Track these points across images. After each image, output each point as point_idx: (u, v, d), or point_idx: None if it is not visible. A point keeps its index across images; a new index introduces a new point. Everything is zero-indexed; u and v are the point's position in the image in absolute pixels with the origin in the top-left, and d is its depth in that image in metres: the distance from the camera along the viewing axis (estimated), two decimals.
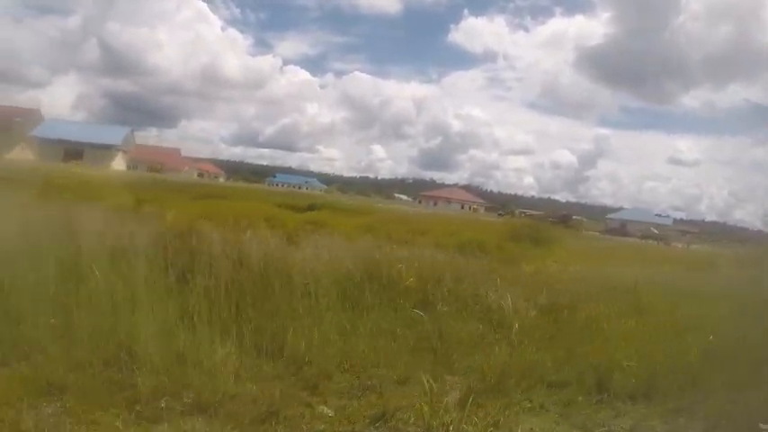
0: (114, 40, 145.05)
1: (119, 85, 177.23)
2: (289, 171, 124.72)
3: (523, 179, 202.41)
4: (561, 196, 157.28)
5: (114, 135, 49.92)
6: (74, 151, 38.66)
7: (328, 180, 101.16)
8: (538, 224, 26.10)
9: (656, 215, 70.61)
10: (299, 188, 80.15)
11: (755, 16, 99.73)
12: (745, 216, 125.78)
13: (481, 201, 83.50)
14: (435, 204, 74.73)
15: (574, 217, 59.21)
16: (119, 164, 48.88)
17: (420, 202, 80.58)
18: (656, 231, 55.02)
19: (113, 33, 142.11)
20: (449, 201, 76.38)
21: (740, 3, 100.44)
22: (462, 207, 74.05)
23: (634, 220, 62.52)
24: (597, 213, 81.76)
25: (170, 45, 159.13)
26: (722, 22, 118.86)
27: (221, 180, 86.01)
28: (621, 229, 57.23)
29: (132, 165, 63.45)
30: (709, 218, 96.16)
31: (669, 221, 66.36)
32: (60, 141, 39.48)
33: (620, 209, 77.08)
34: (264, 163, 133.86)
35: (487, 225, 23.97)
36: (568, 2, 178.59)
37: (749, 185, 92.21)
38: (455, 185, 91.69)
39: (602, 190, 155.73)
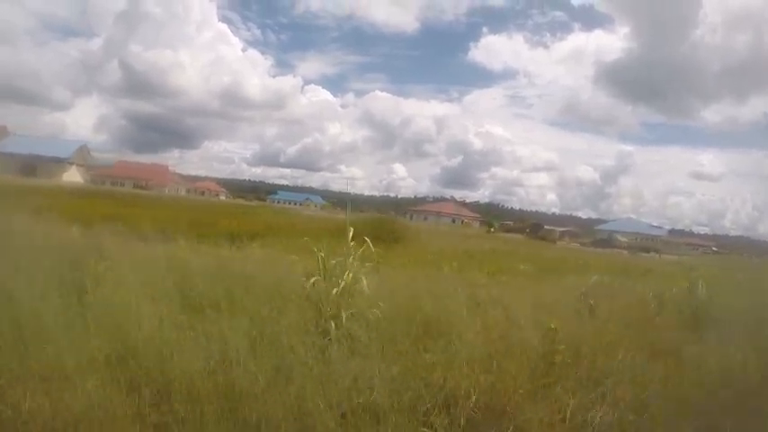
0: (136, 62, 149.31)
1: (141, 106, 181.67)
2: (295, 190, 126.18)
3: (546, 196, 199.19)
4: (583, 213, 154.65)
5: (65, 149, 51.25)
6: (29, 165, 39.23)
7: (349, 200, 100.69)
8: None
9: (655, 227, 69.09)
10: (296, 205, 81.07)
11: None
12: None
13: (472, 214, 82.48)
14: (425, 219, 74.14)
15: (563, 229, 57.87)
16: (72, 176, 50.17)
17: (411, 217, 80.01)
18: (623, 241, 53.62)
19: (135, 55, 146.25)
20: (438, 215, 75.44)
21: (758, 14, 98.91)
22: (453, 221, 73.25)
23: (625, 231, 60.91)
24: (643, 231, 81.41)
25: (192, 67, 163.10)
26: (741, 34, 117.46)
27: (221, 197, 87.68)
28: (608, 240, 55.83)
29: (117, 181, 64.28)
30: (734, 232, 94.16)
31: (663, 233, 64.62)
32: (20, 156, 40.30)
33: (610, 220, 75.31)
34: (286, 182, 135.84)
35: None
36: (587, 17, 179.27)
37: None
38: (448, 199, 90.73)
39: (624, 206, 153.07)
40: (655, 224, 72.48)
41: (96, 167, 64.84)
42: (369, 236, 5.52)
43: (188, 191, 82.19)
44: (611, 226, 66.94)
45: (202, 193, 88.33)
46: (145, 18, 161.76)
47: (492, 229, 57.25)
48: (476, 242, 30.03)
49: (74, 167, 55.13)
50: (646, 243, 56.03)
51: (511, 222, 61.76)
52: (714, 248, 64.75)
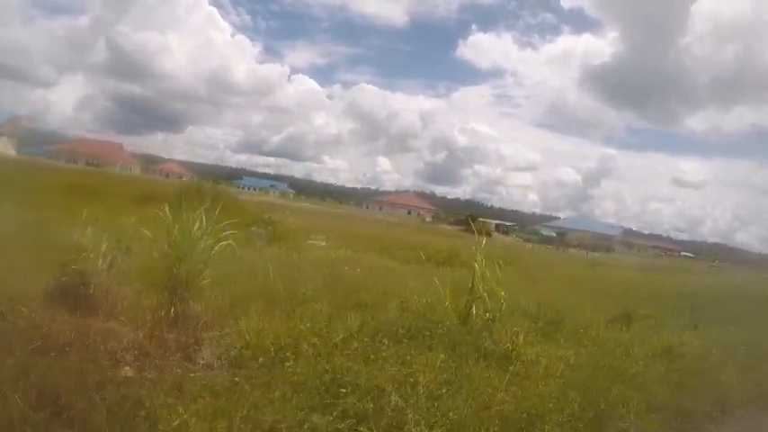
0: (123, 43, 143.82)
1: (126, 88, 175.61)
2: (278, 178, 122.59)
3: (528, 196, 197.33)
4: (564, 214, 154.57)
5: None
6: None
7: (330, 190, 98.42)
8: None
9: (613, 226, 67.75)
10: (260, 191, 78.78)
11: (762, 39, 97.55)
12: (748, 239, 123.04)
13: (431, 207, 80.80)
14: (381, 209, 72.44)
15: (497, 222, 56.32)
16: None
17: (367, 207, 78.15)
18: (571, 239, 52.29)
19: (123, 36, 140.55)
20: (393, 206, 73.72)
21: (747, 25, 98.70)
22: (409, 213, 71.56)
23: (577, 229, 59.36)
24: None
25: (179, 50, 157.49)
26: (728, 44, 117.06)
27: (185, 179, 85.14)
28: (549, 237, 54.31)
29: (72, 158, 64.34)
30: (712, 239, 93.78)
31: (617, 232, 63.37)
32: None
33: (557, 218, 74.04)
34: (269, 171, 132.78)
35: None
36: (576, 21, 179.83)
37: (754, 209, 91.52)
38: (409, 193, 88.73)
39: (605, 210, 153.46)
40: (612, 223, 71.11)
41: (35, 140, 61.75)
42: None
43: (144, 170, 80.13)
44: (561, 223, 65.37)
45: (166, 175, 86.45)
46: None
47: (428, 220, 56.64)
48: (386, 229, 27.98)
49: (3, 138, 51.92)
50: (595, 242, 54.65)
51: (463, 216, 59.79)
52: (686, 254, 63.48)
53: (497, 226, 49.03)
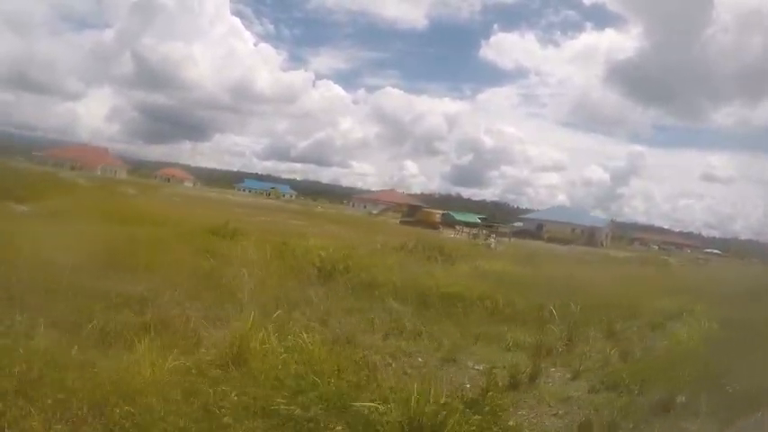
0: (149, 55, 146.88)
1: (153, 98, 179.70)
2: (306, 184, 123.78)
3: (556, 196, 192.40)
4: (594, 214, 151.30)
5: None
6: None
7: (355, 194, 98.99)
8: None
9: (600, 218, 66.41)
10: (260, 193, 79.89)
11: None
12: None
13: (417, 204, 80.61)
14: (365, 207, 72.44)
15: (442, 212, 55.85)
16: None
17: (353, 204, 78.39)
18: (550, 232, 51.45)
19: (148, 48, 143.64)
20: (375, 203, 73.90)
21: None
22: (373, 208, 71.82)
23: (557, 221, 58.31)
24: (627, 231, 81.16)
25: (204, 60, 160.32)
26: (753, 35, 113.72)
27: (186, 184, 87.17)
28: (536, 231, 53.37)
29: (58, 162, 64.83)
30: (745, 236, 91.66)
31: (602, 224, 62.07)
32: None
33: (535, 210, 72.84)
34: (296, 177, 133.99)
35: None
36: (599, 16, 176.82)
37: None
38: (392, 191, 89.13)
39: (634, 208, 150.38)
40: (601, 216, 69.74)
41: None
42: None
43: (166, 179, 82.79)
44: (540, 215, 64.15)
45: (168, 180, 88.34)
46: (158, 11, 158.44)
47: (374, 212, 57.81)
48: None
49: None
50: (575, 235, 53.71)
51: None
52: (710, 251, 61.43)
53: (443, 215, 48.04)
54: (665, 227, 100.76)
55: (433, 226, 37.95)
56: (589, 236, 55.88)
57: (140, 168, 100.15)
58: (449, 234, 34.75)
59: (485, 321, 7.09)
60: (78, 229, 9.65)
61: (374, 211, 59.05)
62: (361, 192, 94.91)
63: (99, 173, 66.57)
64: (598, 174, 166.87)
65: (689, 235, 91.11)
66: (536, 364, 5.24)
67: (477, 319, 7.16)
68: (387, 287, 8.05)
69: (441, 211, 50.14)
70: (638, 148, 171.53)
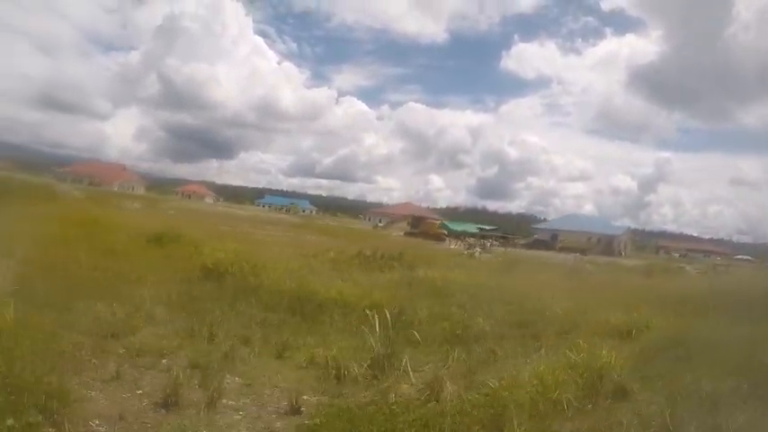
0: (174, 75, 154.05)
1: (179, 118, 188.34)
2: (330, 200, 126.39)
3: (583, 206, 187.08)
4: (621, 223, 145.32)
5: None
6: None
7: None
8: None
9: (617, 226, 63.99)
10: (278, 209, 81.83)
11: None
12: None
13: (432, 216, 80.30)
14: (379, 221, 72.72)
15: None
16: None
17: (369, 218, 78.86)
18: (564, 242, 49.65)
19: (173, 68, 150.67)
20: (390, 216, 73.97)
21: None
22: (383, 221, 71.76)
23: (571, 230, 56.45)
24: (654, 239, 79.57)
25: (228, 79, 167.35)
26: None
27: (207, 200, 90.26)
28: (550, 241, 51.89)
29: (77, 178, 70.23)
30: None
31: (620, 231, 59.62)
32: None
33: (545, 220, 70.59)
34: (322, 193, 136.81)
35: None
36: (618, 22, 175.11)
37: None
38: (409, 204, 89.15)
39: (663, 216, 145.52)
40: (617, 224, 67.08)
41: None
42: None
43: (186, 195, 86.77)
44: (555, 224, 62.20)
45: (188, 196, 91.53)
46: (182, 32, 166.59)
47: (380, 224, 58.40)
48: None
49: None
50: (586, 244, 51.84)
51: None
52: (742, 257, 58.01)
53: (440, 226, 47.37)
54: (695, 234, 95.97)
55: (438, 237, 37.54)
56: (606, 244, 53.94)
57: (160, 185, 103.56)
58: (449, 245, 34.16)
59: (345, 330, 6.72)
60: None
61: (380, 224, 58.88)
62: (385, 207, 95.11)
63: (116, 188, 69.53)
64: (625, 182, 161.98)
65: (719, 242, 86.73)
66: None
67: (340, 327, 6.82)
68: (265, 291, 7.88)
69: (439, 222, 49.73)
70: (664, 154, 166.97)
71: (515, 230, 59.38)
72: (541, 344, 6.30)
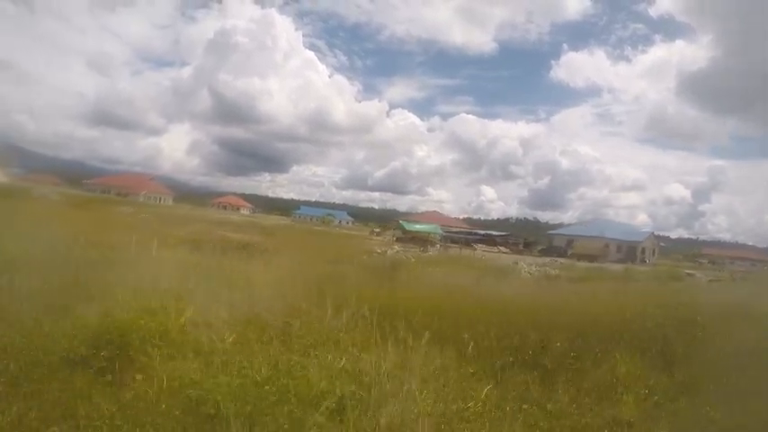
0: (225, 90, 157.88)
1: (231, 132, 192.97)
2: (383, 213, 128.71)
3: (637, 217, 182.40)
4: (675, 233, 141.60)
5: None
6: None
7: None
8: None
9: (641, 232, 63.93)
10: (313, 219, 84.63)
11: None
12: None
13: (458, 225, 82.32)
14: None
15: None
16: None
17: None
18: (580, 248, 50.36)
19: (225, 83, 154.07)
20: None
21: None
22: None
23: (590, 236, 57.35)
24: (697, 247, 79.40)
25: (280, 93, 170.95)
26: None
27: (242, 212, 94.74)
28: (564, 247, 53.09)
29: (106, 189, 73.17)
30: None
31: (642, 237, 59.80)
32: None
33: (561, 225, 70.84)
34: (374, 206, 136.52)
35: None
36: (667, 27, 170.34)
37: None
38: (433, 212, 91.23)
39: (717, 225, 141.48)
40: (645, 229, 66.72)
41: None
42: None
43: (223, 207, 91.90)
44: (571, 230, 63.12)
45: (224, 208, 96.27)
46: (233, 48, 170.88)
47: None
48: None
49: None
50: (603, 251, 52.67)
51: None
52: None
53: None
54: (750, 243, 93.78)
55: (429, 242, 40.18)
56: (627, 251, 54.31)
57: (194, 196, 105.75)
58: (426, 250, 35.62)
59: None
60: None
61: (376, 230, 61.12)
62: (409, 215, 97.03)
63: (141, 199, 70.53)
64: (679, 191, 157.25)
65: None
66: None
67: None
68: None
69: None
70: (718, 162, 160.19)
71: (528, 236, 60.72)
72: None
